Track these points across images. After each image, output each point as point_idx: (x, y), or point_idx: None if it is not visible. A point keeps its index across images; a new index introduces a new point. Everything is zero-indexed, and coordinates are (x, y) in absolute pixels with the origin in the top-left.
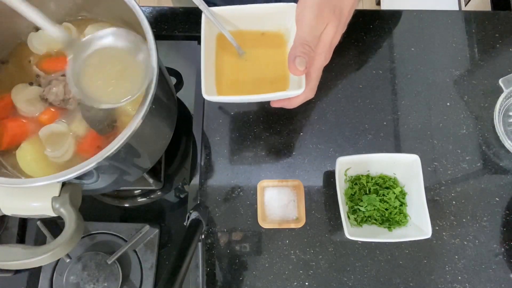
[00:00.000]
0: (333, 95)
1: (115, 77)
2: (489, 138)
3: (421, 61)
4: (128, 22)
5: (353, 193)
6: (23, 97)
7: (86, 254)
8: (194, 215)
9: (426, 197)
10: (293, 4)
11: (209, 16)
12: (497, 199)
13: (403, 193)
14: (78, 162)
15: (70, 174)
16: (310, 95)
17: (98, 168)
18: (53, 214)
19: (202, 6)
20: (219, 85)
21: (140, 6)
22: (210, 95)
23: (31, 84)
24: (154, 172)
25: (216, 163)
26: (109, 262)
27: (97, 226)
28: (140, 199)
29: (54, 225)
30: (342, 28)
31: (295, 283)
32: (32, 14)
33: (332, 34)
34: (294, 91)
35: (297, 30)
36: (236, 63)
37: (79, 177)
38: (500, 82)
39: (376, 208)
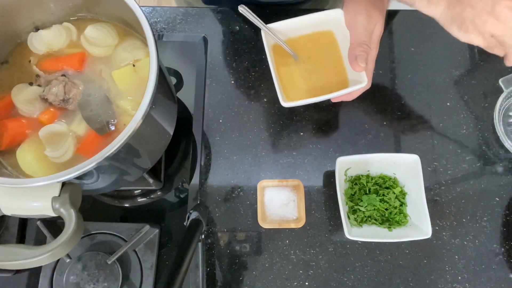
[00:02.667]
0: None
1: None
2: (489, 138)
3: (421, 61)
4: (128, 22)
5: (353, 193)
6: (23, 97)
7: (86, 254)
8: (194, 215)
9: (426, 197)
10: (339, 10)
11: (268, 31)
12: (497, 199)
13: (403, 193)
14: (78, 162)
15: (70, 174)
16: (368, 85)
17: (98, 168)
18: (53, 214)
19: (260, 24)
20: (285, 90)
21: (140, 6)
22: (285, 101)
23: (31, 84)
24: (154, 172)
25: (216, 163)
26: (109, 262)
27: (97, 226)
28: (140, 199)
29: (54, 225)
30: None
31: (295, 283)
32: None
33: (380, 30)
34: (357, 86)
35: (352, 33)
36: (293, 68)
37: (79, 177)
38: (500, 82)
39: (376, 208)
